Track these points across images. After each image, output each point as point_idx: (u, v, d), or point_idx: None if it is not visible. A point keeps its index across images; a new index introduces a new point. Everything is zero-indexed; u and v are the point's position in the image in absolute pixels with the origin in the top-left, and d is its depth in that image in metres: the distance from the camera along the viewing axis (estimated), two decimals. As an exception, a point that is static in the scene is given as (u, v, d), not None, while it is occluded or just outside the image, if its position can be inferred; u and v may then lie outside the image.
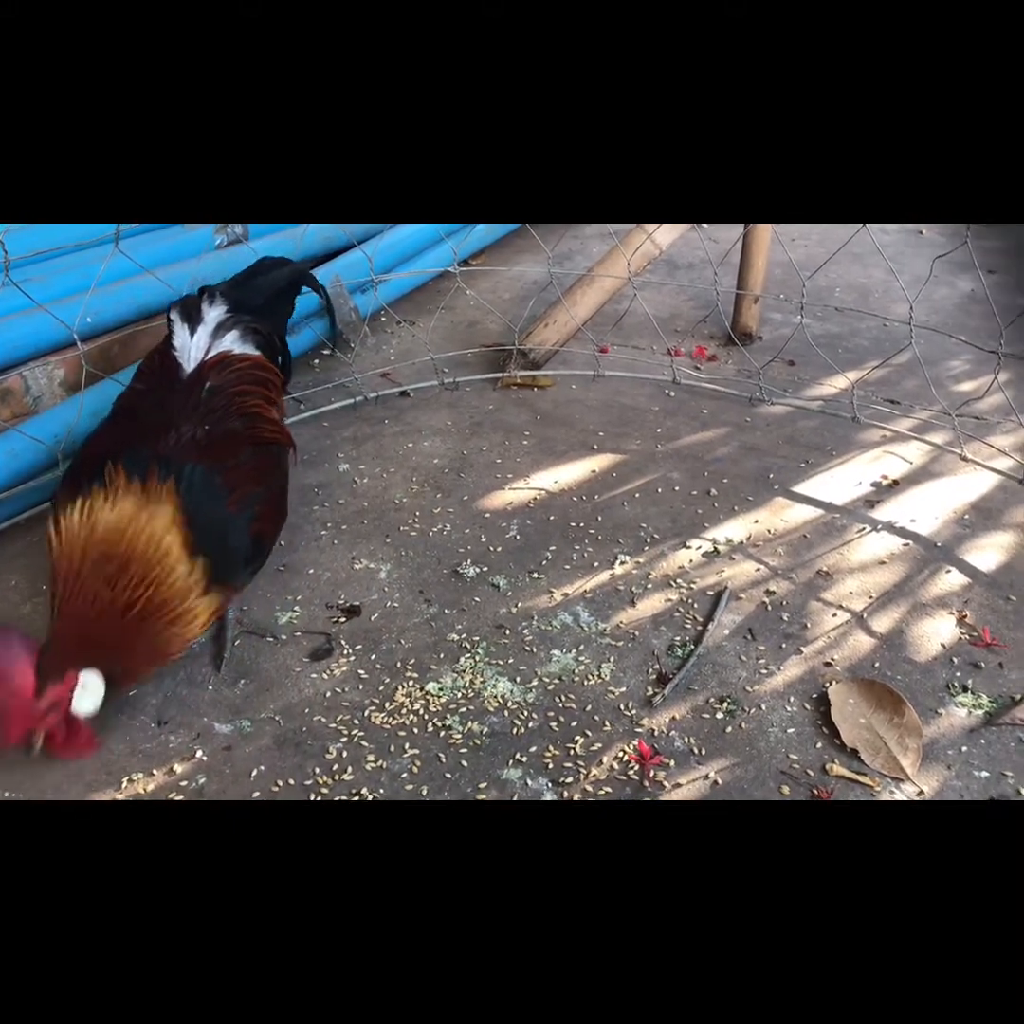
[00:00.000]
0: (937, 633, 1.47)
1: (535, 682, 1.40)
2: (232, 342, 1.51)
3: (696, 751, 1.29)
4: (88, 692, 1.20)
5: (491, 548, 1.67)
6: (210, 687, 1.40)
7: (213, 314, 1.53)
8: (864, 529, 1.70)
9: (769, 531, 1.71)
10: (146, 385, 1.44)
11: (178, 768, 1.27)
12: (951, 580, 1.57)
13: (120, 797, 1.23)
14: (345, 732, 1.32)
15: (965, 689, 1.37)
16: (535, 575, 1.61)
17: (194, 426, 1.37)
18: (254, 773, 1.26)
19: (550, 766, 1.27)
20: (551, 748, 1.29)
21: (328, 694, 1.38)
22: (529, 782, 1.25)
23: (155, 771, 1.27)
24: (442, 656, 1.44)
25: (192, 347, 1.47)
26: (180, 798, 1.23)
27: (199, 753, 1.29)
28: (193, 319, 1.51)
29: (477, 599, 1.56)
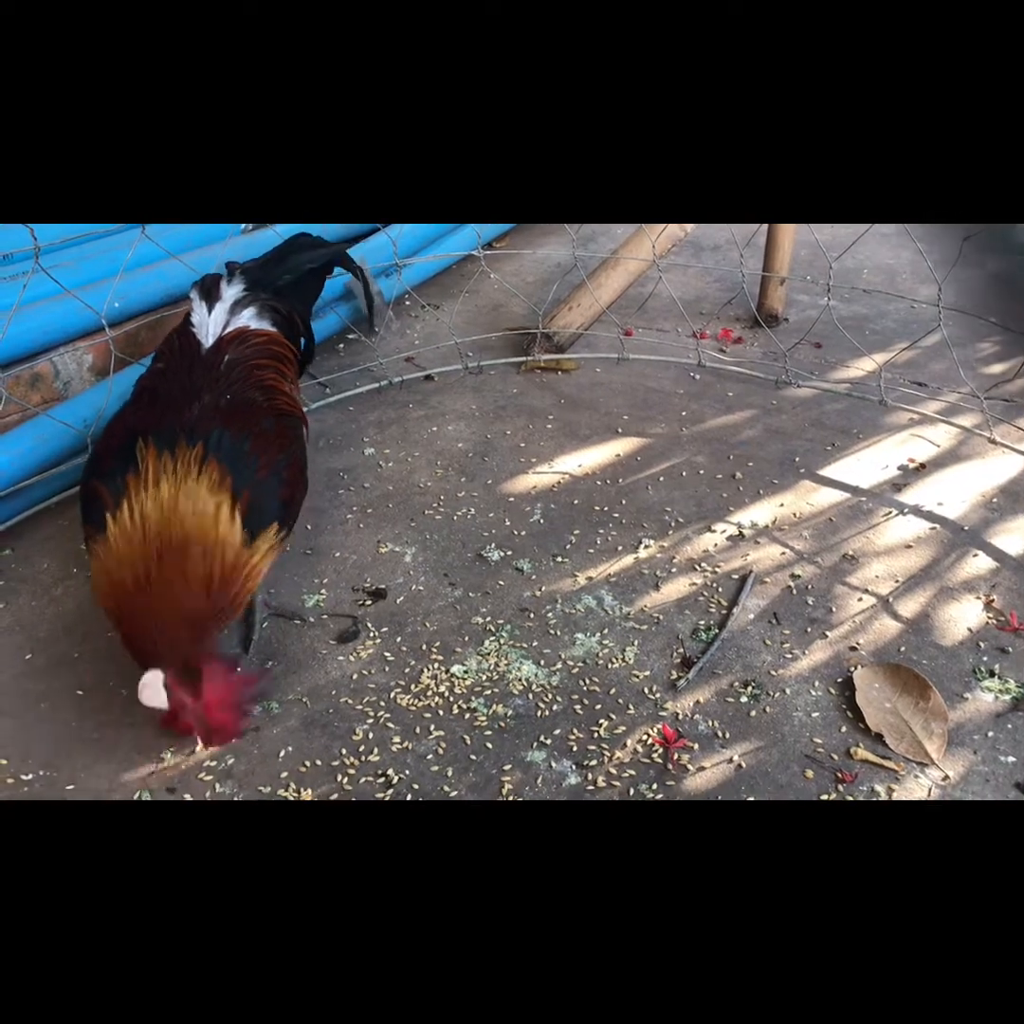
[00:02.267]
0: (964, 617, 1.46)
1: (559, 665, 1.40)
2: (249, 318, 1.53)
3: (720, 735, 1.29)
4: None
5: (515, 532, 1.68)
6: (239, 669, 1.41)
7: (231, 291, 1.55)
8: (891, 513, 1.69)
9: (794, 515, 1.70)
10: (166, 364, 1.46)
11: (208, 748, 1.29)
12: (978, 564, 1.56)
13: (151, 776, 1.26)
14: (371, 714, 1.33)
15: (992, 674, 1.36)
16: (559, 559, 1.61)
17: (216, 396, 1.39)
18: (282, 754, 1.28)
19: (574, 748, 1.28)
20: (575, 731, 1.30)
21: (354, 676, 1.40)
22: (553, 764, 1.26)
23: (186, 751, 1.29)
24: (467, 639, 1.45)
25: (210, 323, 1.50)
26: (209, 777, 1.25)
27: (228, 734, 1.31)
28: (211, 296, 1.54)
29: (501, 582, 1.56)
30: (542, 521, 1.71)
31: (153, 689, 1.19)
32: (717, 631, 1.45)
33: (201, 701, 1.20)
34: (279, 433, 1.43)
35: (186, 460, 1.28)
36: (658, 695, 1.35)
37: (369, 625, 1.48)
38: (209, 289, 1.55)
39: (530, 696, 1.36)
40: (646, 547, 1.63)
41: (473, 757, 1.27)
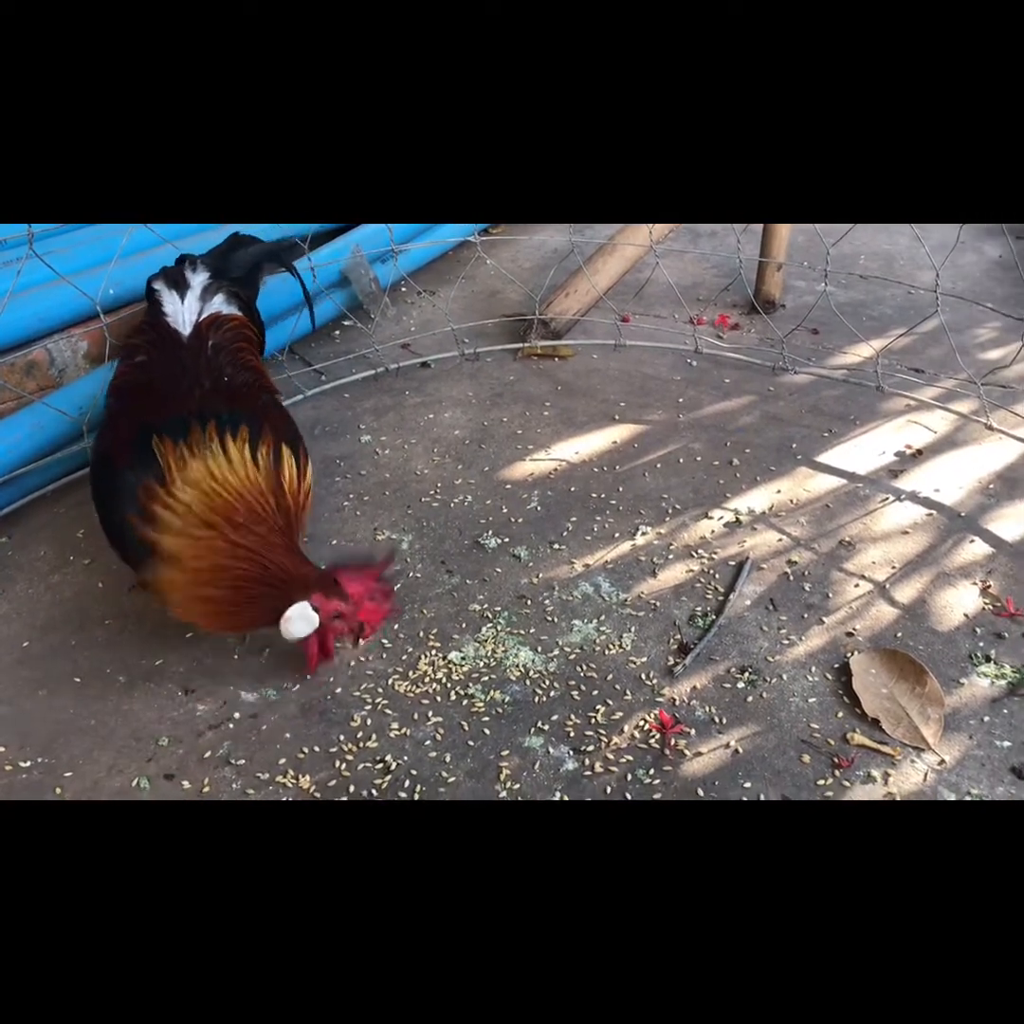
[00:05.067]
0: (960, 603, 1.46)
1: (556, 652, 1.41)
2: (220, 304, 1.55)
3: (717, 720, 1.29)
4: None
5: (512, 519, 1.68)
6: (236, 656, 1.42)
7: (198, 279, 1.56)
8: (888, 499, 1.69)
9: (791, 501, 1.70)
10: (148, 356, 1.46)
11: (206, 735, 1.29)
12: (975, 550, 1.56)
13: (149, 762, 1.26)
14: (369, 700, 1.34)
15: (988, 659, 1.36)
16: (556, 546, 1.61)
17: (215, 379, 1.40)
18: (280, 740, 1.28)
19: (571, 734, 1.28)
20: (572, 717, 1.30)
21: (352, 663, 1.40)
22: (551, 750, 1.26)
23: (184, 738, 1.29)
24: (464, 626, 1.45)
25: (185, 311, 1.51)
26: (207, 763, 1.25)
27: (226, 721, 1.31)
28: (180, 285, 1.55)
29: (498, 570, 1.56)
30: (539, 508, 1.70)
31: (300, 619, 1.26)
32: (714, 617, 1.45)
33: (353, 603, 1.27)
34: (278, 407, 1.48)
35: (206, 441, 1.30)
36: (655, 681, 1.35)
37: (366, 612, 1.48)
38: (175, 279, 1.56)
39: (527, 682, 1.36)
40: (643, 534, 1.63)
41: (471, 743, 1.27)
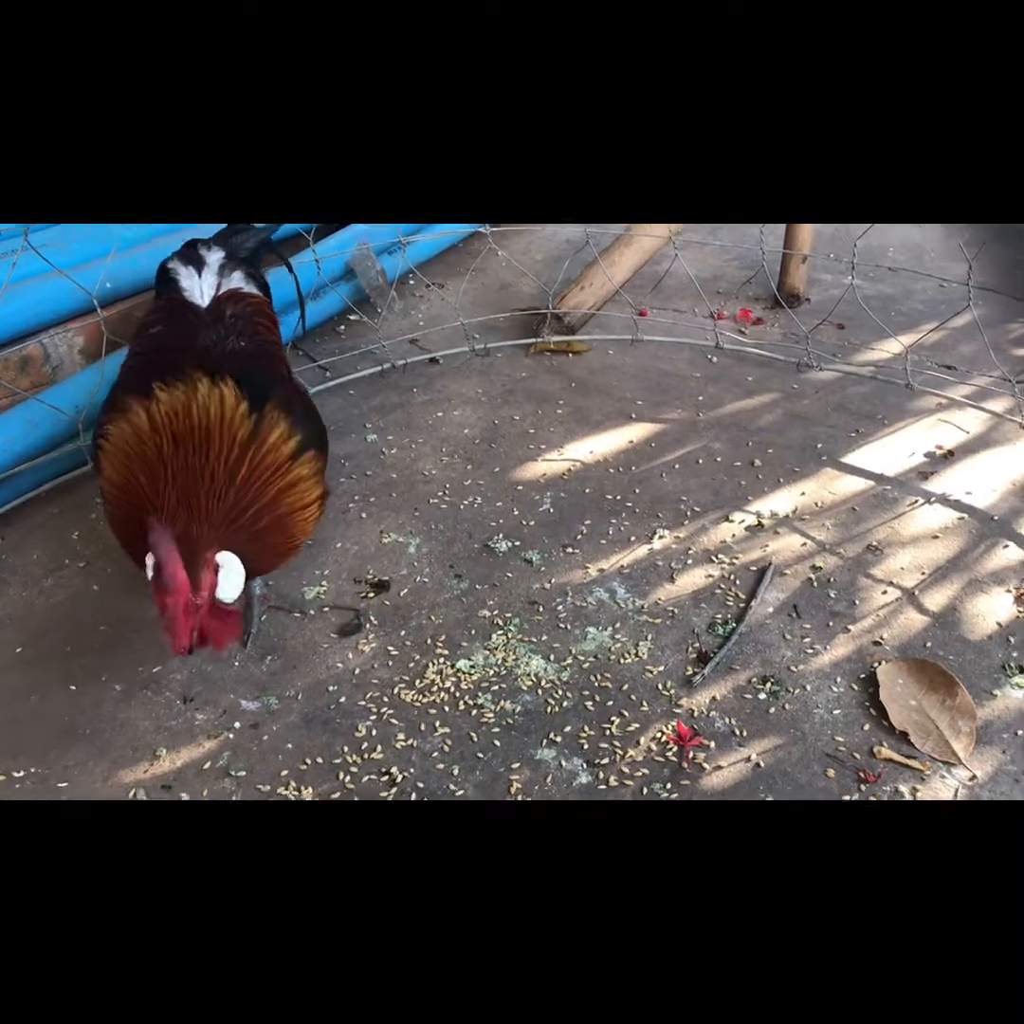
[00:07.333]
0: (993, 611, 1.43)
1: (570, 660, 1.38)
2: (239, 281, 1.54)
3: (737, 732, 1.27)
4: (229, 575, 1.15)
5: (524, 521, 1.65)
6: (236, 663, 1.39)
7: (214, 257, 1.55)
8: (917, 502, 1.67)
9: (816, 504, 1.67)
10: (164, 326, 1.44)
11: (205, 745, 1.27)
12: (1008, 555, 1.53)
13: (146, 776, 1.23)
14: (374, 710, 1.31)
15: (1022, 670, 1.33)
16: (570, 549, 1.58)
17: (234, 341, 1.38)
18: (281, 751, 1.25)
19: (585, 747, 1.25)
20: (586, 728, 1.28)
21: (356, 671, 1.37)
22: (563, 763, 1.23)
23: (182, 748, 1.26)
24: (473, 633, 1.43)
25: (203, 285, 1.50)
26: (206, 775, 1.22)
27: (225, 731, 1.29)
28: (196, 262, 1.54)
29: (509, 574, 1.53)
30: (552, 510, 1.68)
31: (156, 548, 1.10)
32: (734, 625, 1.42)
33: (201, 594, 1.11)
34: (292, 382, 1.46)
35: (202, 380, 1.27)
36: (673, 691, 1.33)
37: (372, 618, 1.46)
38: (190, 257, 1.55)
39: (539, 692, 1.33)
40: (660, 537, 1.60)
41: (480, 755, 1.25)
